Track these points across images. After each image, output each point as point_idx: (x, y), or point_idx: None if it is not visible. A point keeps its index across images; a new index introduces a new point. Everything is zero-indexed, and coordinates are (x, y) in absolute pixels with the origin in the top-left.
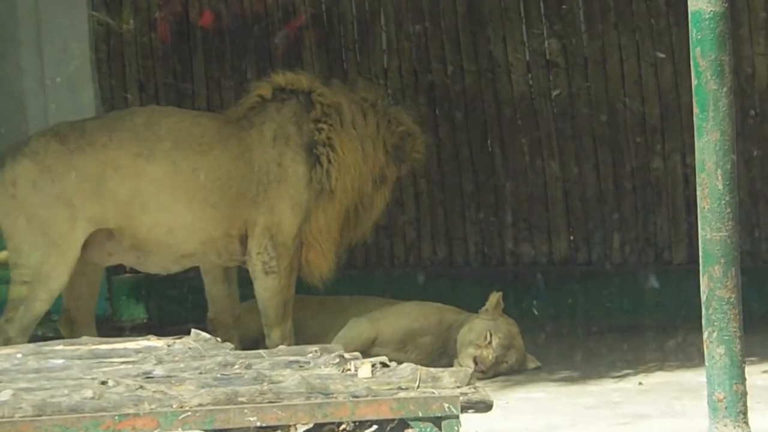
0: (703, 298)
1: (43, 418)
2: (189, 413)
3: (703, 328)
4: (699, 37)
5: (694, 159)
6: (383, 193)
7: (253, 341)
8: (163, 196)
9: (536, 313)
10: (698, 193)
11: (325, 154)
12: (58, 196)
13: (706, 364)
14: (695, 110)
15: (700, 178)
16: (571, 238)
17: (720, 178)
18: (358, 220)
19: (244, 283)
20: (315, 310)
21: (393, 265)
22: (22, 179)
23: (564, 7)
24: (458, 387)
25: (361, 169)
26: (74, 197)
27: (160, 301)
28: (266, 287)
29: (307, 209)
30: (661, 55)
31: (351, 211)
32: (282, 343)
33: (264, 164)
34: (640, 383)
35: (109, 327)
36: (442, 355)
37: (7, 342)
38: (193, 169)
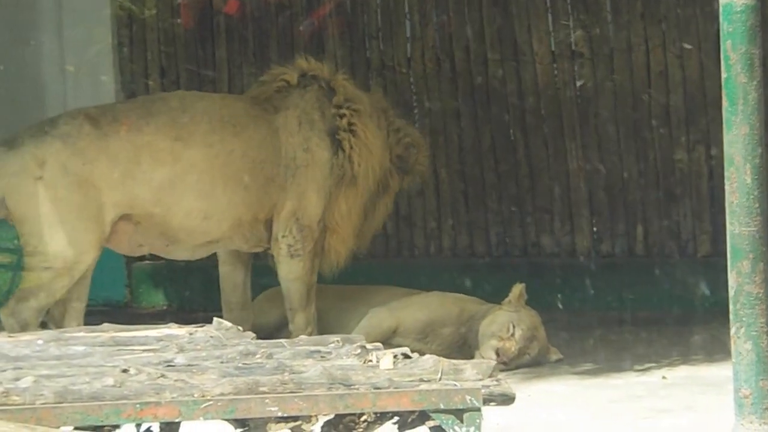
0: (731, 293)
1: (64, 405)
2: (210, 402)
3: (731, 324)
4: (730, 29)
5: (718, 151)
6: (385, 203)
7: (273, 330)
8: (202, 180)
9: (559, 305)
10: (726, 187)
11: (347, 139)
12: (88, 180)
13: (733, 360)
14: (724, 103)
15: (729, 172)
16: (594, 229)
17: (749, 172)
18: (365, 222)
19: (266, 272)
20: (336, 300)
21: (413, 255)
22: (52, 161)
23: None
24: (480, 379)
25: (380, 156)
26: (103, 181)
27: (179, 288)
28: (291, 270)
29: (330, 194)
30: (688, 46)
31: (370, 200)
32: (306, 328)
33: (291, 149)
34: (664, 377)
35: (128, 314)
36: (462, 346)
37: (24, 325)
38: (230, 151)
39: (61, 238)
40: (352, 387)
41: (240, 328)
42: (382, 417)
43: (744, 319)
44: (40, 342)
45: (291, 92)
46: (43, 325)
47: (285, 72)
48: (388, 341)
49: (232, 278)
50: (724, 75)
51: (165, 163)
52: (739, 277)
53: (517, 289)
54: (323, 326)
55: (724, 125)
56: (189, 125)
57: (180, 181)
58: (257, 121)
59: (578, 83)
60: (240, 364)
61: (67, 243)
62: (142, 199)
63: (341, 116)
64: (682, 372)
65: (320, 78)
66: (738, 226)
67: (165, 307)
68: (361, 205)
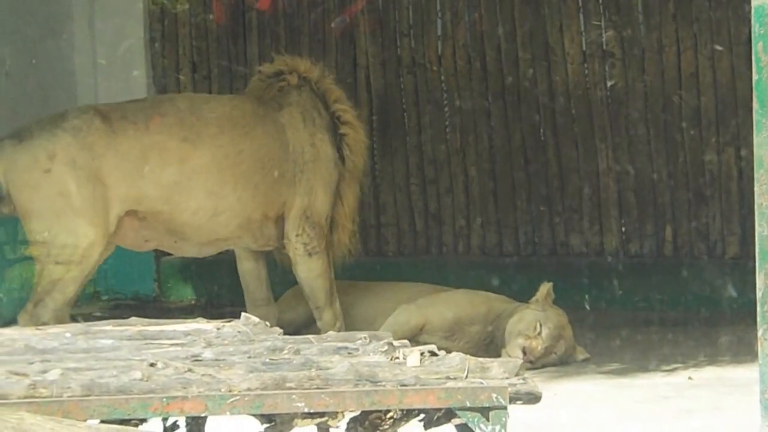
0: (759, 295)
1: (92, 398)
2: (237, 397)
3: (758, 326)
4: (762, 32)
5: (748, 153)
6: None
7: (301, 326)
8: (211, 180)
9: (587, 304)
10: (756, 189)
11: (350, 134)
12: (96, 175)
13: (759, 362)
14: (755, 106)
15: (759, 174)
16: (623, 229)
17: None
18: None
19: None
20: (363, 296)
21: (442, 252)
22: (62, 154)
23: None
24: (507, 378)
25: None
26: (110, 177)
27: (207, 283)
28: (311, 268)
29: (335, 189)
30: (719, 48)
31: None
32: (334, 324)
33: (299, 145)
34: (690, 378)
35: (156, 308)
36: (489, 344)
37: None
38: (239, 151)
39: (70, 231)
40: (379, 384)
41: (267, 323)
42: (408, 414)
43: None
44: (67, 335)
45: (289, 91)
46: (72, 319)
47: (280, 69)
48: (415, 338)
49: (255, 273)
50: (755, 77)
51: (173, 163)
52: (767, 279)
53: (545, 288)
54: (350, 322)
55: (755, 127)
56: (197, 126)
57: (188, 181)
58: (264, 120)
59: (609, 84)
60: (267, 360)
61: (75, 235)
62: (149, 196)
63: (343, 111)
64: (708, 373)
65: (310, 79)
66: (767, 228)
67: (193, 302)
68: (358, 198)
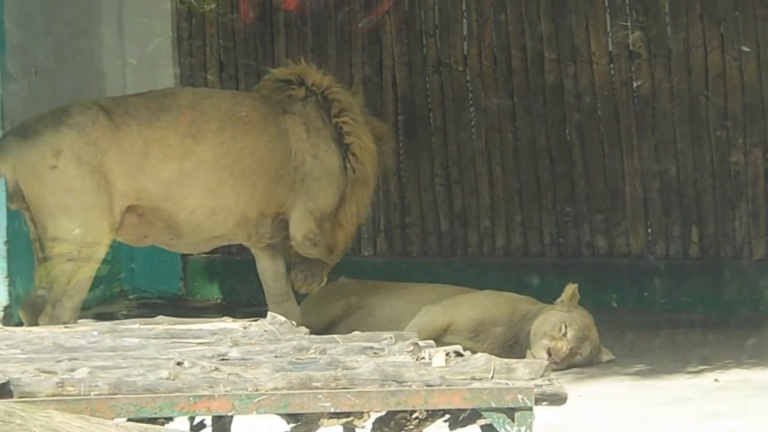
0: None
1: (119, 396)
2: (264, 397)
3: None
4: None
5: None
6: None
7: (328, 325)
8: (211, 177)
9: (612, 306)
10: None
11: (355, 143)
12: (99, 170)
13: None
14: None
15: None
16: (649, 231)
17: None
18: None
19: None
20: (388, 297)
21: (467, 253)
22: (67, 150)
23: None
24: (532, 378)
25: (376, 156)
26: (112, 172)
27: (233, 282)
28: (316, 254)
29: (342, 196)
30: (746, 49)
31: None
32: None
33: (300, 154)
34: (716, 380)
35: (182, 307)
36: (514, 345)
37: None
38: (240, 148)
39: (78, 226)
40: (405, 384)
41: (294, 322)
42: (433, 415)
43: None
44: (95, 333)
45: (296, 99)
46: (98, 317)
47: (289, 76)
48: (439, 339)
49: (273, 269)
50: None
51: (174, 158)
52: None
53: (570, 289)
54: (375, 323)
55: None
56: (199, 122)
57: (189, 177)
58: (266, 120)
59: (635, 84)
60: (293, 359)
61: (84, 230)
62: (150, 192)
63: (345, 123)
64: (734, 375)
65: (318, 88)
66: None
67: (219, 301)
68: (368, 203)
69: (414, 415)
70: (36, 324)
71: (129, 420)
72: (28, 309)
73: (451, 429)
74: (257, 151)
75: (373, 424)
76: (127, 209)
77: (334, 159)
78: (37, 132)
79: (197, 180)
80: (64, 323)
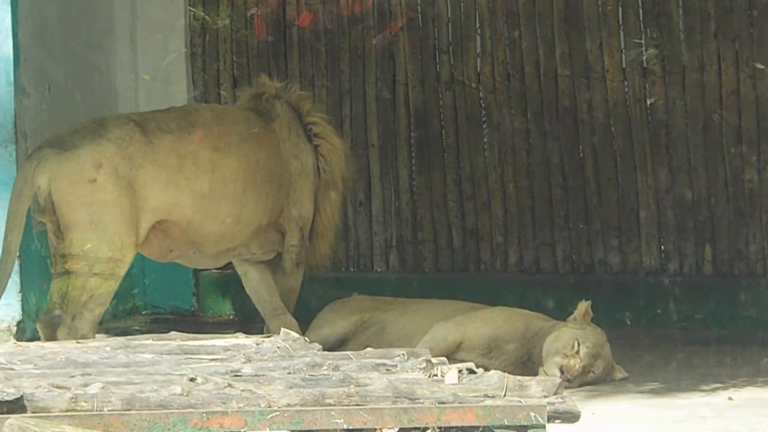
0: None
1: (132, 412)
2: (277, 413)
3: None
4: None
5: None
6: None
7: (339, 342)
8: (238, 187)
9: (628, 322)
10: None
11: (323, 144)
12: (133, 185)
13: None
14: None
15: None
16: (662, 248)
17: None
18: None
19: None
20: (401, 313)
21: (479, 269)
22: (107, 164)
23: (663, 14)
24: (545, 396)
25: (344, 161)
26: (146, 187)
27: (246, 298)
28: (297, 278)
29: (315, 200)
30: (760, 66)
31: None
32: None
33: (287, 156)
34: (730, 398)
35: (195, 323)
36: (526, 362)
37: (82, 339)
38: (256, 159)
39: (106, 240)
40: (417, 401)
41: (307, 339)
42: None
43: None
44: (108, 349)
45: (274, 104)
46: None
47: (261, 91)
48: (452, 356)
49: (265, 283)
50: None
51: (206, 171)
52: None
53: (583, 306)
54: (388, 339)
55: None
56: (224, 136)
57: (219, 188)
58: (267, 130)
59: (649, 101)
60: (306, 376)
61: (111, 244)
62: (183, 205)
63: (315, 124)
64: (748, 393)
65: (285, 96)
66: None
67: (232, 317)
68: (339, 208)
69: None
70: (54, 337)
71: None
72: (46, 323)
73: None
74: (268, 161)
75: None
76: (154, 225)
77: (309, 159)
78: (75, 145)
79: (226, 190)
80: (83, 336)
